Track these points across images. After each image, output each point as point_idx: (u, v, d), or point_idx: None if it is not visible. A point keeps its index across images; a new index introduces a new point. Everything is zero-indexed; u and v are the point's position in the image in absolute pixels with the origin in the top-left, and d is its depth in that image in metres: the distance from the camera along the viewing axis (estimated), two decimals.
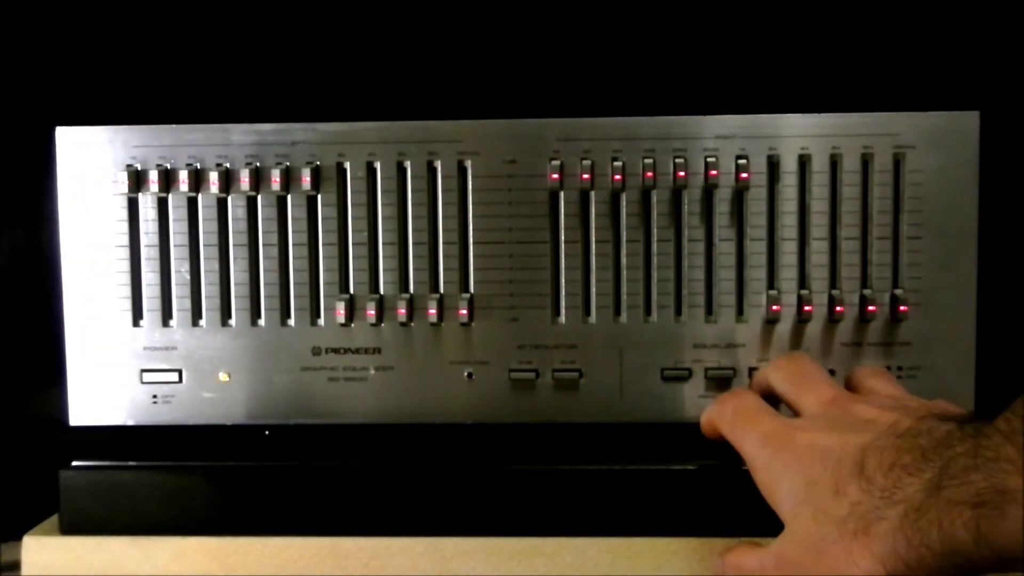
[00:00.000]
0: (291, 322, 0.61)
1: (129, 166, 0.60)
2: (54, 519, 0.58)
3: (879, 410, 0.49)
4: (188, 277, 0.60)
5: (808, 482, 0.47)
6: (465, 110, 0.65)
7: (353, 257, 0.60)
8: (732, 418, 0.52)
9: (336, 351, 0.60)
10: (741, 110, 0.59)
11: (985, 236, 0.58)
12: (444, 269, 0.60)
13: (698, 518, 0.56)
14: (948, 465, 0.42)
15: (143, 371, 0.61)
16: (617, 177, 0.59)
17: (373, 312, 0.59)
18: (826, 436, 0.48)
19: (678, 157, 0.59)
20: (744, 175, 0.58)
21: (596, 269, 0.60)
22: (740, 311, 0.60)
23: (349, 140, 0.60)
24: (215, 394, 0.61)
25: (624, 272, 0.60)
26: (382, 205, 0.60)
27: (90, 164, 0.60)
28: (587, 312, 0.60)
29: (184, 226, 0.60)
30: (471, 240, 0.60)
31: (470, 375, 0.60)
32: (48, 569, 0.56)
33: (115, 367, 0.60)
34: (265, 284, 0.60)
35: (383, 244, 0.60)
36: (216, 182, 0.59)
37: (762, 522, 0.55)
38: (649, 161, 0.59)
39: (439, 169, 0.60)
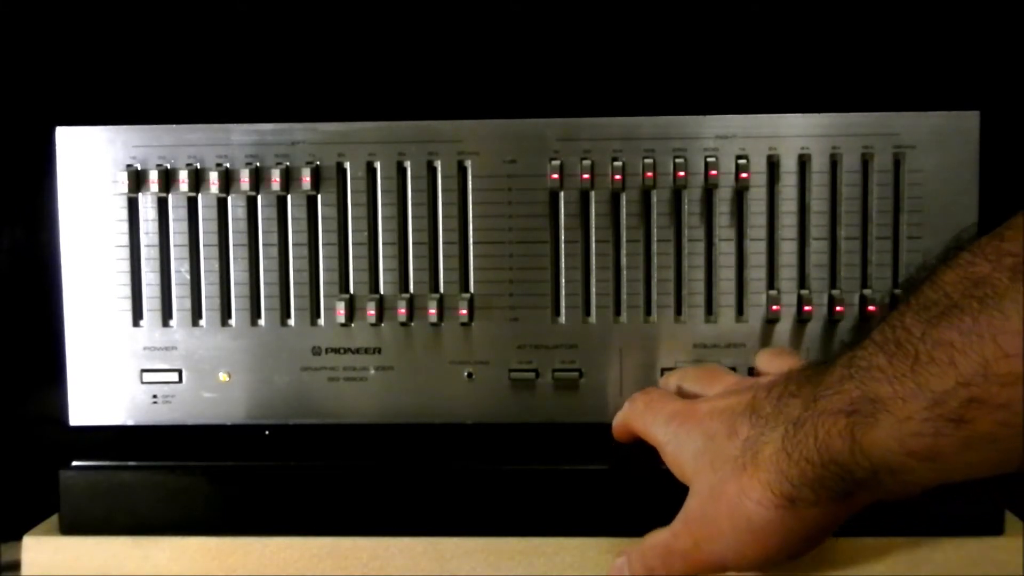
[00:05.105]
0: (291, 322, 0.61)
1: (129, 166, 0.60)
2: (54, 519, 0.58)
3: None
4: (188, 277, 0.60)
5: (707, 437, 0.47)
6: (465, 110, 0.65)
7: (353, 257, 0.60)
8: (642, 410, 0.52)
9: (336, 351, 0.60)
10: (741, 110, 0.59)
11: None
12: (444, 269, 0.60)
13: None
14: (825, 378, 0.42)
15: (143, 371, 0.61)
16: (617, 177, 0.59)
17: (373, 312, 0.59)
18: (724, 400, 0.48)
19: (678, 157, 0.59)
20: (744, 175, 0.58)
21: (596, 269, 0.60)
22: (740, 311, 0.60)
23: (349, 140, 0.60)
24: (215, 394, 0.61)
25: (624, 272, 0.60)
26: (382, 205, 0.60)
27: (90, 164, 0.60)
28: (587, 312, 0.60)
29: (184, 226, 0.60)
30: (471, 240, 0.60)
31: (470, 375, 0.60)
32: (48, 569, 0.56)
33: (115, 367, 0.60)
34: (265, 284, 0.60)
35: (383, 244, 0.60)
36: (216, 182, 0.59)
37: None
38: (649, 161, 0.59)
39: (439, 169, 0.60)
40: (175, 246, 0.60)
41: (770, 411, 0.44)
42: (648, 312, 0.60)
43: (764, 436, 0.44)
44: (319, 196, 0.60)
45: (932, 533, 0.54)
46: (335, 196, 0.60)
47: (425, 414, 0.60)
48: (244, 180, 0.59)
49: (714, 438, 0.46)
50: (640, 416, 0.52)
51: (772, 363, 0.54)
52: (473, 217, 0.60)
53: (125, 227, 0.60)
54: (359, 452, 0.59)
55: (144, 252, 0.60)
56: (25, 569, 0.57)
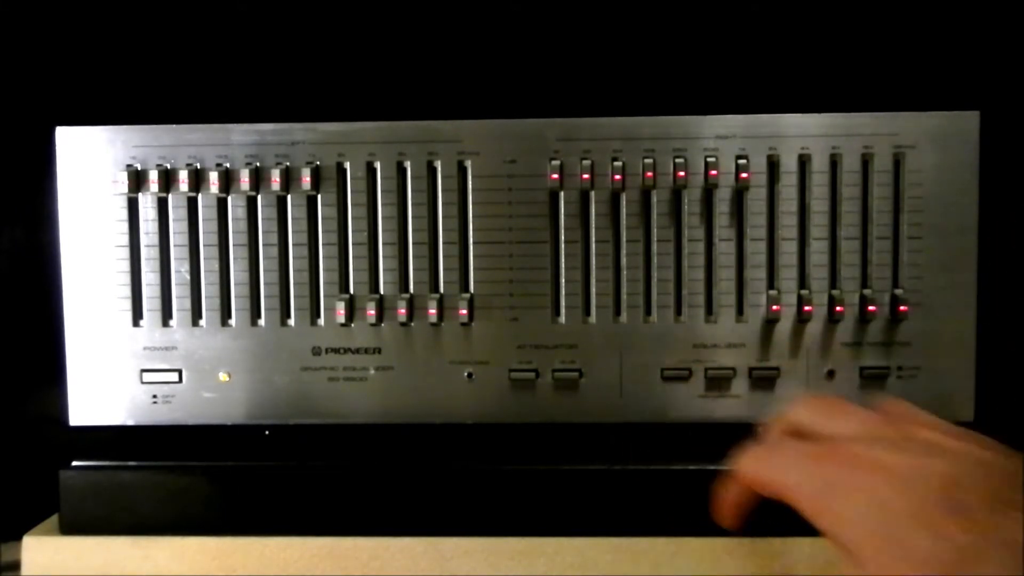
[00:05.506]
0: (291, 322, 0.61)
1: (129, 166, 0.60)
2: (54, 519, 0.58)
3: (942, 435, 0.42)
4: (188, 277, 0.60)
5: (877, 503, 0.40)
6: (465, 110, 0.65)
7: (353, 257, 0.60)
8: (766, 455, 0.45)
9: (336, 351, 0.60)
10: (741, 110, 0.59)
11: (985, 236, 0.58)
12: (444, 269, 0.60)
13: (698, 518, 0.56)
14: None
15: (143, 371, 0.61)
16: (617, 177, 0.59)
17: (373, 312, 0.59)
18: (892, 455, 0.41)
19: (678, 157, 0.59)
20: (744, 175, 0.58)
21: (596, 269, 0.60)
22: (740, 311, 0.60)
23: (349, 140, 0.60)
24: (215, 394, 0.61)
25: (624, 272, 0.60)
26: (382, 205, 0.60)
27: (90, 164, 0.60)
28: (587, 312, 0.60)
29: (184, 226, 0.60)
30: (471, 240, 0.60)
31: (470, 375, 0.60)
32: (48, 569, 0.56)
33: (115, 367, 0.60)
34: (265, 284, 0.60)
35: (383, 244, 0.60)
36: (216, 182, 0.59)
37: (762, 522, 0.55)
38: (649, 161, 0.59)
39: (439, 169, 0.60)
40: (175, 246, 0.60)
41: (983, 517, 0.38)
42: (648, 312, 0.60)
43: (980, 548, 0.38)
44: (319, 196, 0.60)
45: None
46: (335, 196, 0.60)
47: (425, 414, 0.60)
48: (244, 180, 0.59)
49: (890, 512, 0.40)
50: (766, 460, 0.45)
51: (896, 408, 0.47)
52: (473, 217, 0.60)
53: (125, 227, 0.60)
54: (359, 452, 0.59)
55: (144, 252, 0.60)
56: (25, 569, 0.57)
